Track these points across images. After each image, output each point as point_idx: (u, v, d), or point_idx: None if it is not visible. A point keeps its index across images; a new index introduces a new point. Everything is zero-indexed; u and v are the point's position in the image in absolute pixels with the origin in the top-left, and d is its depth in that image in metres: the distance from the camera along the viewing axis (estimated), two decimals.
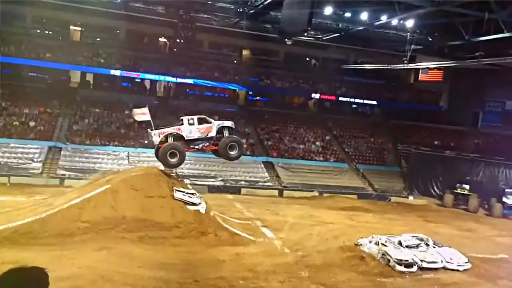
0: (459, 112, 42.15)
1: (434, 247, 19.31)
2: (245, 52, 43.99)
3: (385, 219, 27.79)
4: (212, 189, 31.15)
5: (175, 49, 41.14)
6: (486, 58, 27.41)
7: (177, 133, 20.55)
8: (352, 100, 43.83)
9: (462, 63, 31.12)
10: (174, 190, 19.98)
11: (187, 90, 42.99)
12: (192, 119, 21.00)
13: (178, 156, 19.91)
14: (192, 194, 20.68)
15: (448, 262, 18.33)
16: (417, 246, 19.12)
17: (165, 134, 20.41)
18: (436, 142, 40.98)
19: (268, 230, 22.17)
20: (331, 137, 41.63)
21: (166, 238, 18.02)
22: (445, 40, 30.42)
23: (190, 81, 39.13)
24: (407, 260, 17.78)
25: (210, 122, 21.24)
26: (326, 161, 38.40)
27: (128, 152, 33.11)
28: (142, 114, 20.63)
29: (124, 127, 35.55)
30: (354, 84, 44.63)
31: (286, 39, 31.88)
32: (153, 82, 41.26)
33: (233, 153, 20.81)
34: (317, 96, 42.65)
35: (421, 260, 18.06)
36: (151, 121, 20.56)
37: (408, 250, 18.56)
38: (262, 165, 35.85)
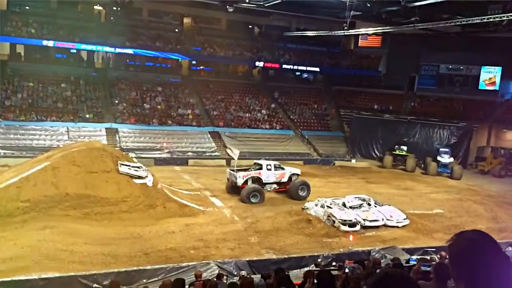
0: (396, 77, 43.77)
1: (375, 206, 20.34)
2: (186, 20, 42.82)
3: (330, 183, 28.77)
4: (158, 162, 30.68)
5: (112, 18, 39.36)
6: (421, 23, 28.45)
7: (257, 176, 23.12)
8: (295, 67, 44.18)
9: (398, 29, 32.11)
10: (119, 164, 19.55)
11: (127, 60, 41.46)
12: (270, 165, 23.78)
13: (259, 197, 22.10)
14: (138, 167, 20.35)
15: (388, 219, 19.43)
16: (360, 206, 20.07)
17: (248, 177, 22.92)
18: (375, 106, 42.49)
19: (217, 200, 22.35)
20: (276, 105, 42.00)
21: (113, 213, 17.67)
22: (382, 6, 31.11)
23: (129, 51, 37.59)
24: (350, 220, 18.66)
25: (284, 169, 24.05)
26: (272, 128, 38.82)
27: (68, 127, 31.67)
28: (233, 154, 23.85)
29: (61, 101, 33.87)
30: (297, 51, 44.93)
31: (227, 6, 31.34)
32: (90, 53, 39.36)
33: (302, 194, 23.27)
34: (261, 64, 42.56)
35: (364, 219, 19.02)
36: (235, 163, 23.72)
37: (352, 211, 19.44)
38: (209, 135, 35.66)
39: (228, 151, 24.52)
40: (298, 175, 24.37)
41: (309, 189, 23.54)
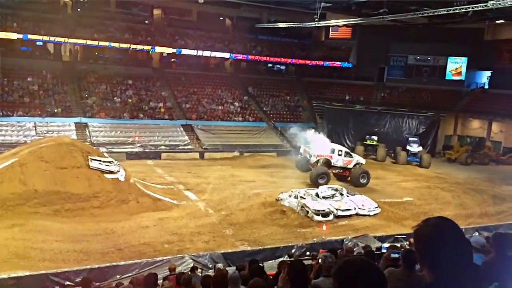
0: (366, 68, 44.29)
1: (347, 195, 20.71)
2: (156, 12, 42.12)
3: (303, 174, 28.99)
4: (130, 156, 30.27)
5: (79, 9, 38.39)
6: (389, 15, 28.90)
7: (327, 159, 25.26)
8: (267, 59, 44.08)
9: (367, 20, 32.49)
10: (90, 159, 19.21)
11: (96, 53, 40.49)
12: (341, 151, 25.92)
13: (325, 178, 23.96)
14: (110, 162, 20.07)
15: (360, 208, 19.83)
16: (333, 196, 20.41)
17: (320, 158, 25.18)
18: (347, 97, 42.92)
19: (191, 193, 22.25)
20: (248, 97, 41.95)
21: (85, 209, 17.38)
22: None
23: (98, 43, 36.72)
24: (324, 210, 18.95)
25: (352, 157, 26.09)
26: (245, 121, 38.79)
27: (35, 122, 30.78)
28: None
29: (28, 95, 32.87)
30: (268, 43, 44.90)
31: None
32: (57, 46, 38.23)
33: (363, 181, 25.14)
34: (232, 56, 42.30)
35: (337, 209, 19.34)
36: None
37: (325, 201, 19.74)
38: (182, 129, 35.35)
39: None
40: (361, 164, 26.22)
41: (369, 177, 25.20)
